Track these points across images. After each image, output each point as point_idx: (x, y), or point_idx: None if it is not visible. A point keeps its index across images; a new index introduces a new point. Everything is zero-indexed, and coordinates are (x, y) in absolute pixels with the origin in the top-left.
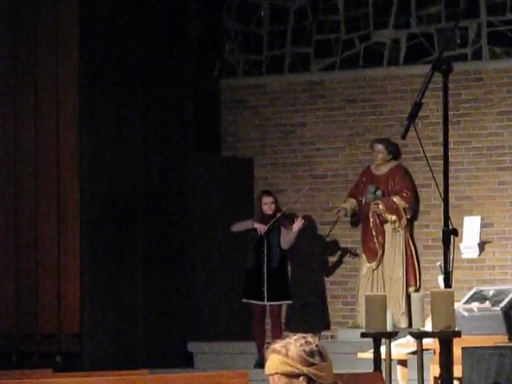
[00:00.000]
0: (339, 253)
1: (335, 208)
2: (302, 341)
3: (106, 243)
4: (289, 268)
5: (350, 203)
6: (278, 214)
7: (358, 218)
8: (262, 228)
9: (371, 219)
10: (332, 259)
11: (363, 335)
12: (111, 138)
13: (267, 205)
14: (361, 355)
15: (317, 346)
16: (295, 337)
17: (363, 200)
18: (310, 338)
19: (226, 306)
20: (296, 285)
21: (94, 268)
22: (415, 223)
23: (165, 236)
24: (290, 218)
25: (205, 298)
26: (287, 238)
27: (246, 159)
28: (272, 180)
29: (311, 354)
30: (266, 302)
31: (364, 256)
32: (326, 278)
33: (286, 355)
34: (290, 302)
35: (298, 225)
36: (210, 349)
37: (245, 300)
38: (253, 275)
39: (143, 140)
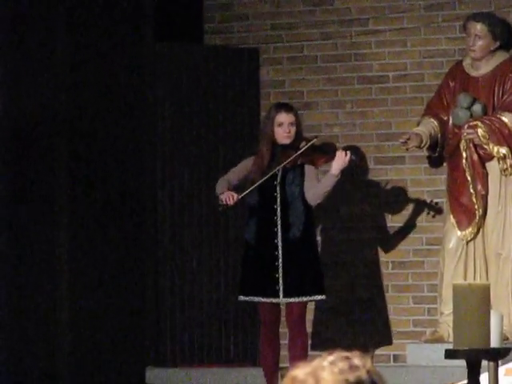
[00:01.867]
0: (408, 212)
1: (401, 135)
2: (344, 364)
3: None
4: (318, 239)
5: (427, 126)
6: (302, 146)
7: (440, 151)
8: (229, 198)
9: (464, 154)
10: (394, 223)
11: (450, 355)
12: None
13: (283, 127)
14: None
15: (368, 372)
16: (331, 357)
17: (450, 120)
18: (356, 359)
19: (210, 309)
20: (331, 269)
21: None
22: None
23: (105, 192)
24: (322, 152)
25: (174, 294)
26: (320, 185)
27: (247, 50)
28: (293, 85)
29: None
30: (281, 299)
31: (452, 218)
32: (383, 257)
33: None
34: (322, 297)
35: (340, 161)
36: (182, 378)
37: (243, 297)
38: (256, 253)
39: (66, 28)
